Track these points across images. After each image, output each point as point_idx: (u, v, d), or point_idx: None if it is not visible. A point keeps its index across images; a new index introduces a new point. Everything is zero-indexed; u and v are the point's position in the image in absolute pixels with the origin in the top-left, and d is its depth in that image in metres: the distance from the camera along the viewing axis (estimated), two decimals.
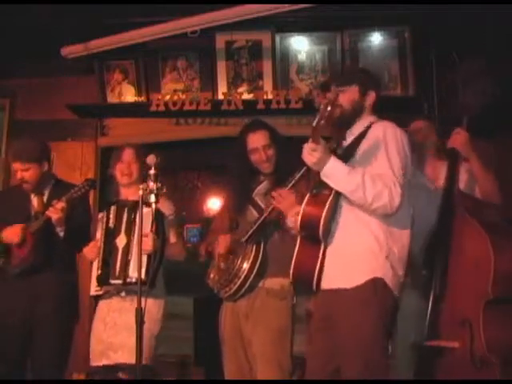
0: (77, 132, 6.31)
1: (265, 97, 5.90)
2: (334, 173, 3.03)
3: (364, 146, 3.21)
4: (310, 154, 2.98)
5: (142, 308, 3.19)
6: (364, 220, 3.13)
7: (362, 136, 3.25)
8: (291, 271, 3.24)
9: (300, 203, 3.46)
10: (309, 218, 3.12)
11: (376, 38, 5.93)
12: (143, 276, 3.61)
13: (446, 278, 3.40)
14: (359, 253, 3.12)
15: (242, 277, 3.78)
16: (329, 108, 2.88)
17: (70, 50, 5.66)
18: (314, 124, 2.92)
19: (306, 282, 3.25)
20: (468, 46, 5.05)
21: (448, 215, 3.41)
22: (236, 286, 3.79)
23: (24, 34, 5.51)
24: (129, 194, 4.11)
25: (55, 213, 4.00)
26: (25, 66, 6.17)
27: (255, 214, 3.93)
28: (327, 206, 3.08)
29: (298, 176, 3.62)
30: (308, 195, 3.17)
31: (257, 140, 3.96)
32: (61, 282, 4.21)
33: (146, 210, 3.49)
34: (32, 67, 6.19)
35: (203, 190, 7.27)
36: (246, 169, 4.04)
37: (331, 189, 3.09)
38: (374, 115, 3.37)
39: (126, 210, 3.98)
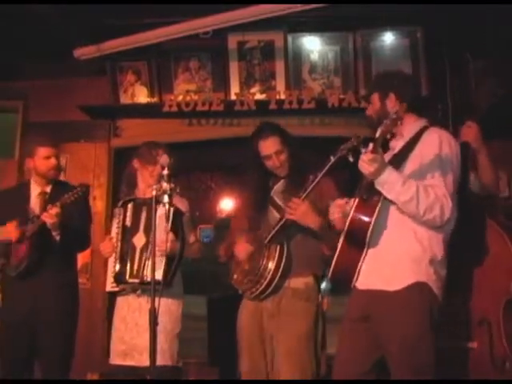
0: (90, 133, 6.32)
1: (277, 97, 5.89)
2: (390, 183, 3.03)
3: (417, 151, 3.20)
4: (369, 164, 2.98)
5: (155, 309, 3.19)
6: (409, 224, 3.13)
7: (414, 140, 3.24)
8: (331, 269, 3.25)
9: (313, 210, 3.64)
10: (358, 224, 3.13)
11: (388, 38, 5.92)
12: (160, 277, 3.63)
13: (464, 278, 3.40)
14: (402, 257, 3.12)
15: (269, 277, 3.82)
16: (399, 123, 2.97)
17: (83, 52, 5.67)
18: (378, 135, 3.00)
19: (344, 282, 3.28)
20: (481, 45, 5.03)
21: (465, 214, 3.39)
22: (262, 286, 3.83)
23: (36, 36, 5.53)
24: (147, 191, 4.11)
25: (49, 218, 4.01)
26: (37, 67, 6.19)
27: (275, 213, 4.00)
28: (376, 213, 3.10)
29: (311, 187, 3.65)
30: (357, 200, 3.17)
31: (268, 147, 4.00)
32: (60, 283, 4.23)
33: (165, 209, 3.50)
34: (44, 69, 6.21)
35: (216, 191, 7.28)
36: (261, 171, 4.09)
37: (380, 194, 3.10)
38: (423, 118, 3.36)
39: (144, 208, 3.97)
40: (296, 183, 3.90)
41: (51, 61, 6.00)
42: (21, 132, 6.48)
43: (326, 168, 3.57)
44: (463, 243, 3.36)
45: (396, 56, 5.90)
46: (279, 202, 3.99)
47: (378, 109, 3.33)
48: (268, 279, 3.81)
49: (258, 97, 5.98)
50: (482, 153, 3.58)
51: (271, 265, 3.81)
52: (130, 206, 4.04)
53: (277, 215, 3.95)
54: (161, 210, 3.48)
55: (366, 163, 3.00)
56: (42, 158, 4.29)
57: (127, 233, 3.99)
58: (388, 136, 3.05)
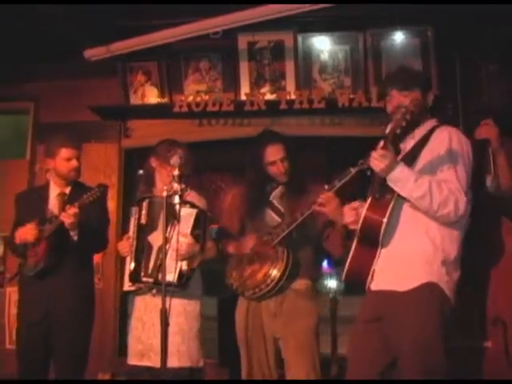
0: (100, 134, 6.33)
1: (287, 97, 5.89)
2: (402, 179, 3.02)
3: (428, 149, 3.20)
4: (380, 160, 2.98)
5: (166, 309, 3.20)
6: (422, 224, 3.11)
7: (425, 139, 3.24)
8: (345, 270, 3.26)
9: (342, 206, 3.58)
10: (371, 223, 3.12)
11: (398, 37, 5.89)
12: (172, 279, 3.63)
13: (478, 277, 3.40)
14: (414, 257, 3.10)
15: (276, 279, 3.86)
16: (407, 117, 2.94)
17: (93, 53, 5.67)
18: (388, 131, 2.99)
19: (359, 283, 3.27)
20: (492, 45, 5.02)
21: (480, 213, 3.38)
22: (268, 287, 3.88)
23: (47, 37, 5.54)
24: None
25: (67, 218, 4.02)
26: (48, 68, 6.22)
27: (275, 217, 4.08)
28: (389, 211, 3.09)
29: (343, 181, 3.63)
30: (370, 199, 3.17)
31: (275, 153, 4.06)
32: (75, 284, 4.24)
33: (189, 210, 3.49)
34: (55, 70, 6.24)
35: (226, 191, 7.27)
36: (261, 176, 4.13)
37: (393, 193, 3.09)
38: (434, 118, 3.36)
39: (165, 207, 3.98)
40: (294, 189, 4.04)
41: (61, 62, 6.02)
42: (32, 133, 6.51)
43: (345, 179, 3.58)
44: (478, 243, 3.36)
45: (406, 55, 5.88)
46: (279, 206, 4.08)
47: (421, 104, 3.22)
48: (275, 281, 3.85)
49: (268, 97, 5.98)
50: (501, 153, 3.57)
51: (278, 267, 3.86)
52: (144, 203, 3.99)
53: (277, 219, 4.05)
54: (184, 211, 3.47)
55: (376, 160, 3.00)
56: (64, 159, 4.29)
57: (142, 231, 3.96)
58: (398, 131, 3.02)
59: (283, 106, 5.85)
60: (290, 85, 5.99)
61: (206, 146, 6.12)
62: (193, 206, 3.72)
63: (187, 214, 3.53)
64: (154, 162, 4.17)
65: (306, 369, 3.86)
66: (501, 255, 3.41)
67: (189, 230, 3.76)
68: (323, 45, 6.02)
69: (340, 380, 3.23)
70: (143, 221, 3.99)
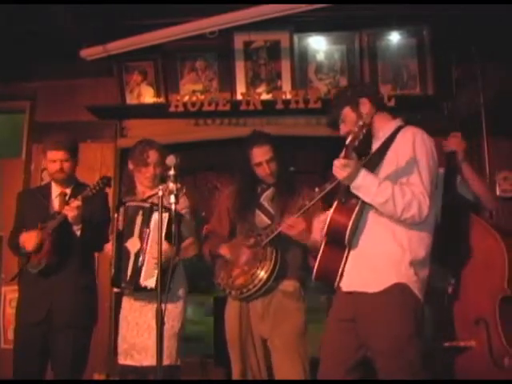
0: (96, 133, 6.32)
1: (283, 97, 5.90)
2: (365, 186, 3.07)
3: (392, 150, 3.23)
4: (342, 169, 3.03)
5: (162, 310, 3.19)
6: (388, 226, 3.16)
7: (389, 140, 3.27)
8: (314, 272, 3.30)
9: (309, 228, 3.66)
10: (336, 226, 3.18)
11: (394, 37, 5.91)
12: (153, 285, 3.64)
13: (457, 278, 3.43)
14: (382, 259, 3.15)
15: (264, 280, 3.87)
16: (364, 130, 2.96)
17: (89, 52, 5.67)
18: (347, 142, 3.00)
19: (328, 282, 3.32)
20: (489, 44, 5.02)
21: (452, 216, 3.44)
22: (256, 287, 3.89)
23: (43, 37, 5.55)
24: (146, 192, 4.12)
25: (71, 211, 4.02)
26: (44, 68, 6.23)
27: (265, 218, 4.10)
28: (354, 215, 3.15)
29: (308, 206, 3.70)
30: (336, 203, 3.22)
31: (261, 154, 4.08)
32: (77, 284, 4.22)
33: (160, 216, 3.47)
34: (51, 69, 6.24)
35: (222, 191, 7.27)
36: (250, 177, 4.17)
37: (359, 197, 3.13)
38: (398, 118, 3.39)
39: (140, 212, 3.98)
40: (284, 192, 4.06)
41: (58, 61, 6.02)
42: (27, 132, 6.50)
43: (326, 190, 3.61)
44: (455, 243, 3.43)
45: (402, 55, 5.91)
46: (269, 208, 4.10)
47: (356, 120, 3.22)
48: (263, 282, 3.87)
49: (264, 97, 5.99)
50: (467, 166, 3.64)
51: (266, 268, 3.87)
52: (121, 209, 4.06)
53: (266, 220, 4.07)
54: (156, 216, 3.46)
55: (338, 168, 3.05)
56: (49, 161, 4.32)
57: (119, 237, 4.01)
58: (356, 143, 3.03)
59: (279, 106, 5.86)
60: (285, 85, 6.00)
61: (202, 146, 6.13)
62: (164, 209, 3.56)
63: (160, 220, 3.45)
64: (130, 165, 4.24)
65: (295, 369, 3.86)
66: (481, 255, 3.44)
67: (163, 236, 3.61)
68: (319, 45, 6.03)
69: (336, 380, 3.23)
70: (120, 227, 4.03)
